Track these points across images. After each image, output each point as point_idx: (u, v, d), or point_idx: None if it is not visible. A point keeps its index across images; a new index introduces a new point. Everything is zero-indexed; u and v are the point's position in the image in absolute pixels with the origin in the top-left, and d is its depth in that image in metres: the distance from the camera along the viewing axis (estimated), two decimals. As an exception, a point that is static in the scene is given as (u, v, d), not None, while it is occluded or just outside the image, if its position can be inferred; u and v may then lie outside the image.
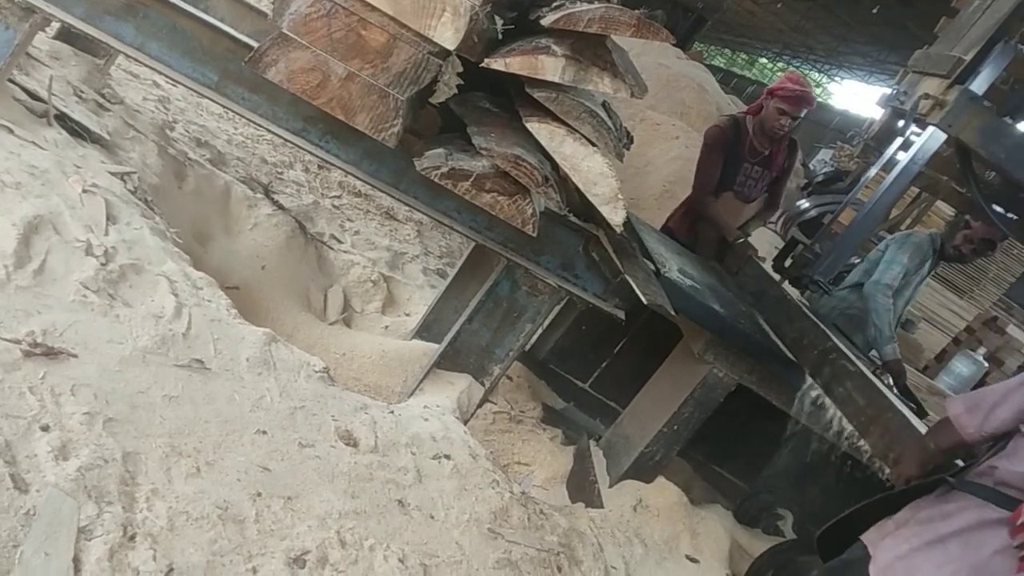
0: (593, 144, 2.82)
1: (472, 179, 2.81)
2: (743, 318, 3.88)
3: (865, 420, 3.15)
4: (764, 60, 41.93)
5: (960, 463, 2.64)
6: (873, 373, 3.54)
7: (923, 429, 2.90)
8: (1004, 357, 8.49)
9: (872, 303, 4.49)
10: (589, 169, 2.82)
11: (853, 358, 3.42)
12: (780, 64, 39.72)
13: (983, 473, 2.43)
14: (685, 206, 5.29)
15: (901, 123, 4.18)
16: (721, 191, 4.99)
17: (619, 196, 2.86)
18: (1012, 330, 9.00)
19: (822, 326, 3.69)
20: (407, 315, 4.69)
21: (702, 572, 3.52)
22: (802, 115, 4.80)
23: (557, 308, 4.22)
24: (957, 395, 2.59)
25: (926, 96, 3.69)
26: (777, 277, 4.48)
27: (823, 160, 15.16)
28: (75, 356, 2.14)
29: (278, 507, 2.16)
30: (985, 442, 2.50)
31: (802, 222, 9.07)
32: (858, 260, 5.47)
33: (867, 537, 2.64)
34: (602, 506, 3.60)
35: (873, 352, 4.61)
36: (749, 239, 4.89)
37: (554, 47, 2.70)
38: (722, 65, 42.41)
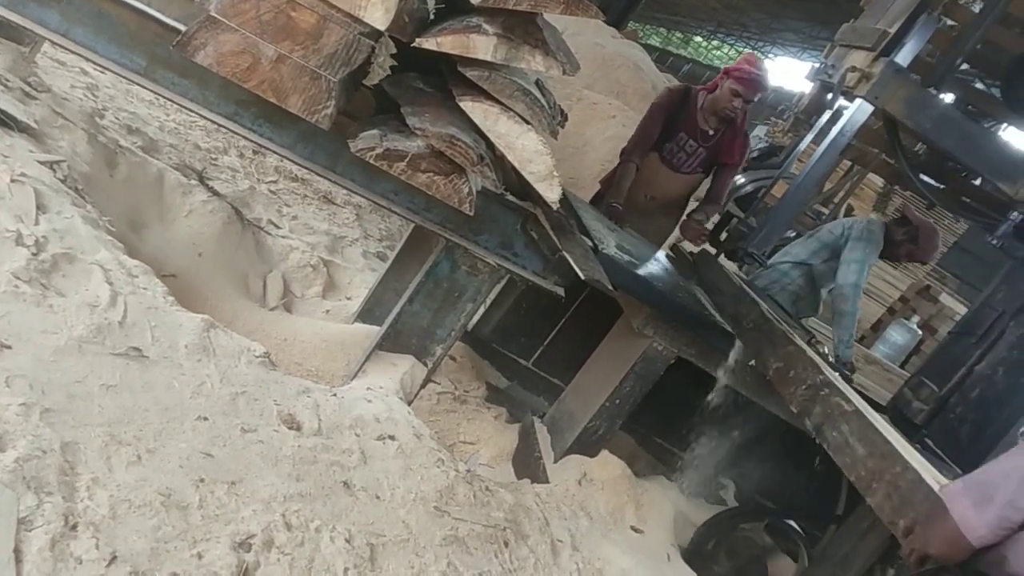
0: (527, 122, 2.84)
1: (407, 159, 2.81)
2: (681, 292, 3.93)
3: (867, 474, 2.64)
4: (699, 39, 42.18)
5: None
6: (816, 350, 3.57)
7: (937, 486, 2.38)
8: (937, 325, 8.70)
9: (849, 306, 4.52)
10: (524, 147, 2.84)
11: (849, 394, 2.98)
12: (715, 42, 40.03)
13: (993, 563, 2.06)
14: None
15: (830, 96, 4.27)
16: (649, 151, 5.04)
17: (554, 173, 2.88)
18: (944, 298, 9.23)
19: (811, 354, 3.34)
20: (348, 299, 4.67)
21: (647, 542, 3.57)
22: (755, 99, 4.83)
23: (498, 287, 4.24)
24: (954, 481, 2.15)
25: (853, 69, 3.77)
26: (713, 251, 4.55)
27: (758, 136, 15.35)
28: (9, 347, 2.11)
29: (222, 492, 2.16)
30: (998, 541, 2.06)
31: (738, 197, 9.18)
32: (793, 234, 5.55)
33: None
34: (547, 481, 3.63)
35: (809, 321, 4.69)
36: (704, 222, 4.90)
37: (485, 26, 2.71)
38: (657, 44, 42.64)
